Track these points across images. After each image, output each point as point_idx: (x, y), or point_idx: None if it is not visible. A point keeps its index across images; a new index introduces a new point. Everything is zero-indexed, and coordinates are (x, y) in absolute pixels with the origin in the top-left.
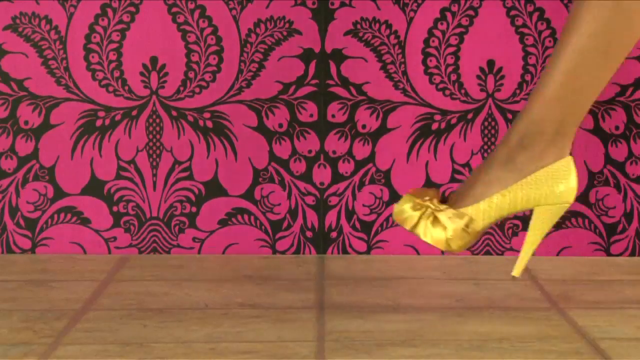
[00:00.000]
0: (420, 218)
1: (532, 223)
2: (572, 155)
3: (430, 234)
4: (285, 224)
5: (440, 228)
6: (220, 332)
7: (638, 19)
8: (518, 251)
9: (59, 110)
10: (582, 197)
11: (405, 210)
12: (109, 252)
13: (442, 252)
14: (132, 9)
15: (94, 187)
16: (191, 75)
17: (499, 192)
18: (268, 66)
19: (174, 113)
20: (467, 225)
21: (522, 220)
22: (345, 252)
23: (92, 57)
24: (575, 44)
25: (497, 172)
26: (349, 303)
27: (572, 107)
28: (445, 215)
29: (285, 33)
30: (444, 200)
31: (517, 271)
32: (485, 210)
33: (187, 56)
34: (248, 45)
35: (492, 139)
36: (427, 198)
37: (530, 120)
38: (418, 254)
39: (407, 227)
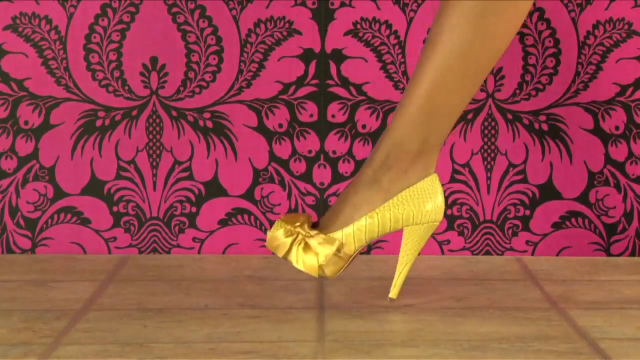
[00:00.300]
0: (292, 245)
1: (403, 243)
2: (436, 173)
3: (302, 261)
4: None
5: (312, 254)
6: (220, 333)
7: (497, 39)
8: (518, 251)
9: (59, 110)
10: (582, 197)
11: (278, 237)
12: (109, 252)
13: (442, 252)
14: (132, 9)
15: (94, 187)
16: (191, 75)
17: (368, 215)
18: (268, 66)
19: (174, 113)
20: (338, 250)
21: (522, 220)
22: None
23: (92, 57)
24: (434, 65)
25: (365, 193)
26: (349, 303)
27: (433, 126)
28: (316, 241)
29: (285, 33)
30: (315, 224)
31: (394, 293)
32: (355, 233)
33: (187, 56)
34: (248, 45)
35: (492, 139)
36: (297, 224)
37: (393, 140)
38: (418, 254)
39: (280, 254)
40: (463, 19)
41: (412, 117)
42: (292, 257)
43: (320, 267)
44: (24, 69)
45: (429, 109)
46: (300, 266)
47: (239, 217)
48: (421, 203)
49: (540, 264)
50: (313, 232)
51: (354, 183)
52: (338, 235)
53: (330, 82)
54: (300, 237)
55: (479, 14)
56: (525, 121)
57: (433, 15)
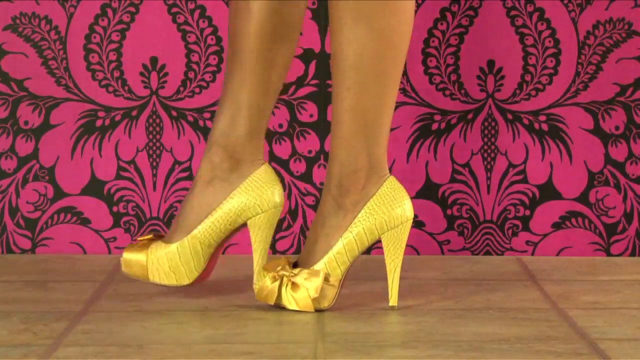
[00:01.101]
0: (279, 289)
1: (385, 251)
2: (392, 175)
3: (294, 300)
4: (285, 224)
5: (303, 291)
6: (220, 334)
7: (395, 37)
8: (518, 251)
9: (59, 110)
10: (582, 197)
11: (265, 286)
12: (109, 252)
13: (442, 252)
14: (132, 9)
15: (94, 187)
16: (191, 75)
17: (342, 237)
18: None
19: (174, 113)
20: (326, 280)
21: (522, 220)
22: None
23: (92, 57)
24: (346, 80)
25: (332, 221)
26: (348, 304)
27: (371, 137)
28: (302, 277)
29: None
30: (295, 264)
31: (392, 301)
32: (337, 258)
33: (187, 56)
34: None
35: (492, 139)
36: (279, 268)
37: (340, 163)
38: (418, 254)
39: (271, 302)
40: (355, 26)
41: (347, 138)
42: (284, 301)
43: (314, 300)
44: (24, 69)
45: (357, 125)
46: (294, 306)
47: None
48: (389, 208)
49: (540, 264)
50: (296, 271)
51: (319, 215)
52: (320, 266)
53: (330, 82)
54: (285, 279)
55: (365, 16)
56: (525, 121)
57: (432, 15)
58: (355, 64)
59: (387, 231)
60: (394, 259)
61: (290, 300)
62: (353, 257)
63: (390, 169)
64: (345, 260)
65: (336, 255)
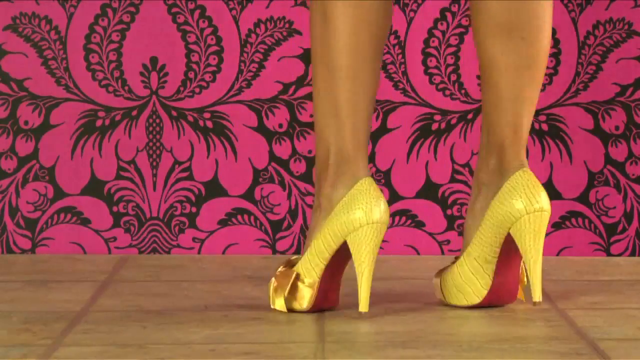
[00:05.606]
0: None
1: (352, 254)
2: (369, 176)
3: (273, 298)
4: (285, 224)
5: (279, 290)
6: (220, 334)
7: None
8: None
9: (59, 110)
10: (582, 197)
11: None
12: (109, 252)
13: (442, 252)
14: (132, 9)
15: (94, 187)
16: (191, 75)
17: (316, 237)
18: (268, 66)
19: (174, 113)
20: (301, 280)
21: None
22: None
23: (92, 57)
24: (313, 73)
25: (314, 219)
26: (349, 304)
27: (340, 132)
28: (275, 277)
29: (285, 33)
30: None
31: (362, 306)
32: (310, 259)
33: (187, 56)
34: (248, 45)
35: None
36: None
37: (317, 160)
38: (418, 254)
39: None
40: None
41: (317, 130)
42: (270, 301)
43: (288, 299)
44: (24, 69)
45: (323, 115)
46: (273, 305)
47: (239, 217)
48: (349, 210)
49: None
50: (280, 269)
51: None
52: (297, 266)
53: None
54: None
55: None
56: None
57: (432, 15)
58: (314, 57)
59: (350, 233)
60: (360, 264)
61: (271, 298)
62: (323, 260)
63: (390, 169)
64: (317, 261)
65: (309, 256)
